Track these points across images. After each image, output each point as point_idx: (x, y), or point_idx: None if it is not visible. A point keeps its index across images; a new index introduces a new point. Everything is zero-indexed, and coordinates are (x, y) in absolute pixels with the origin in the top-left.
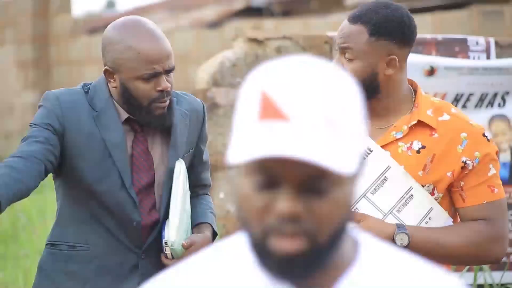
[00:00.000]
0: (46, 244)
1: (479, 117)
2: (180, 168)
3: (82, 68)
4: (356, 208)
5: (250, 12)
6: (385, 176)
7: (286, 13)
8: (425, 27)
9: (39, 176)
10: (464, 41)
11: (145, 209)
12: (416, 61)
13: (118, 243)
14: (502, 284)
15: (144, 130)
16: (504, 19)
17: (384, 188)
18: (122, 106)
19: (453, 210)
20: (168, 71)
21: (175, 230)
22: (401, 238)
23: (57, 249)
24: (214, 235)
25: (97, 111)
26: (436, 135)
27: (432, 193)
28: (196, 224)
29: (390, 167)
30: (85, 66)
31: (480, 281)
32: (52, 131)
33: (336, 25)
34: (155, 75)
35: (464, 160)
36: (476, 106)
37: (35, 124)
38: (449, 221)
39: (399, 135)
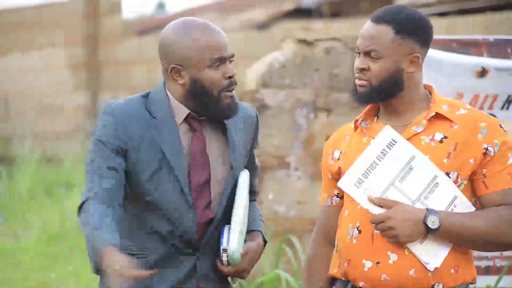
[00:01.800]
0: None
1: None
2: (245, 178)
3: (131, 69)
4: (386, 196)
5: (299, 13)
6: (410, 165)
7: (336, 14)
8: (476, 28)
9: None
10: None
11: (199, 207)
12: (466, 62)
13: (174, 247)
14: None
15: (202, 129)
16: None
17: (410, 176)
18: (187, 103)
19: (473, 200)
20: (230, 58)
21: (236, 240)
22: (433, 220)
23: None
24: (264, 242)
25: (155, 118)
26: (456, 126)
27: (456, 181)
28: (248, 231)
29: (415, 157)
30: (135, 67)
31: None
32: (115, 150)
33: None
34: (223, 60)
35: (486, 147)
36: None
37: (100, 141)
38: (471, 209)
39: (420, 129)
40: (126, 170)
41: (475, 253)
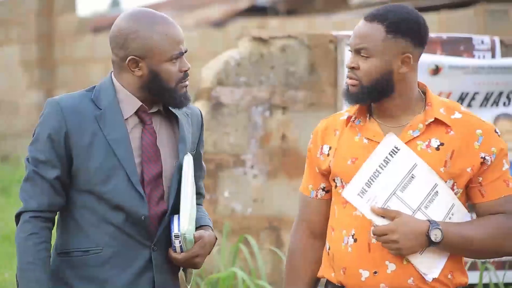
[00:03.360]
0: (58, 253)
1: (484, 116)
2: (189, 162)
3: (87, 67)
4: (388, 205)
5: (254, 11)
6: (412, 174)
7: (291, 12)
8: (431, 26)
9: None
10: (469, 40)
11: (153, 200)
12: (421, 60)
13: (129, 239)
14: (506, 283)
15: (152, 122)
16: (509, 18)
17: (412, 185)
18: (141, 95)
19: (467, 206)
20: (185, 53)
21: (187, 220)
22: (435, 234)
23: (70, 256)
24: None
25: (101, 109)
26: (452, 132)
27: (452, 189)
28: (198, 227)
29: (416, 165)
30: (90, 65)
31: (485, 280)
32: (55, 146)
33: (341, 24)
34: (181, 55)
35: (483, 156)
36: (481, 105)
37: (45, 135)
38: (467, 216)
39: (416, 134)
40: (74, 162)
41: None
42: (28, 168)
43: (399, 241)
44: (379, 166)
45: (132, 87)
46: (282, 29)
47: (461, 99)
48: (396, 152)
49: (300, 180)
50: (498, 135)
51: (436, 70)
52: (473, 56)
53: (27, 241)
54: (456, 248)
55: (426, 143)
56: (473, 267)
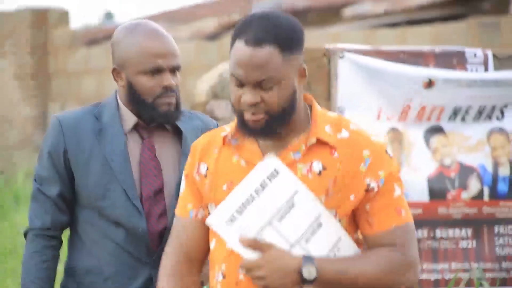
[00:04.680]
0: (64, 269)
1: (478, 130)
2: None
3: (80, 80)
4: (261, 237)
5: None
6: (293, 202)
7: None
8: (423, 39)
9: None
10: (462, 53)
11: (153, 216)
12: (414, 73)
13: (129, 257)
14: None
15: (153, 137)
16: (501, 31)
17: (291, 215)
18: (129, 107)
19: (355, 237)
20: (173, 69)
21: None
22: (309, 271)
23: (75, 272)
24: None
25: (102, 124)
26: (336, 154)
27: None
28: None
29: (298, 192)
30: (84, 77)
31: None
32: (55, 163)
33: (335, 37)
34: (159, 70)
35: (369, 182)
36: (474, 119)
37: (47, 153)
38: (357, 250)
39: (298, 156)
40: (75, 178)
41: (424, 265)
42: (33, 186)
43: (266, 278)
44: (254, 191)
45: (123, 100)
46: None
47: (454, 113)
48: (276, 176)
49: None
50: (390, 157)
51: (430, 84)
52: (466, 70)
53: (31, 259)
54: (337, 286)
55: (307, 166)
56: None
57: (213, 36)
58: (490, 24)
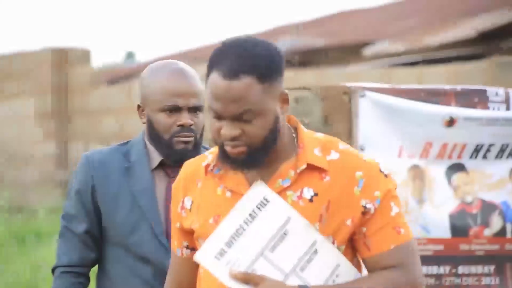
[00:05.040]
0: None
1: (500, 168)
2: None
3: (101, 119)
4: (254, 269)
5: None
6: (285, 230)
7: (304, 63)
8: (441, 78)
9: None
10: (484, 92)
11: None
12: (435, 111)
13: None
14: None
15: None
16: None
17: (284, 244)
18: (151, 144)
19: (355, 261)
20: (192, 109)
21: None
22: None
23: None
24: None
25: (130, 162)
26: (327, 178)
27: None
28: None
29: (290, 219)
30: (104, 116)
31: None
32: (83, 200)
33: (354, 76)
34: (176, 109)
35: (364, 204)
36: (496, 157)
37: (75, 192)
38: (358, 276)
39: (287, 183)
40: (102, 215)
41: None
42: (61, 224)
43: None
44: (244, 221)
45: (147, 137)
46: (295, 80)
47: (476, 151)
48: (265, 204)
49: None
50: (385, 175)
51: (451, 122)
52: (487, 108)
53: None
54: None
55: (298, 193)
56: None
57: None
58: (508, 63)
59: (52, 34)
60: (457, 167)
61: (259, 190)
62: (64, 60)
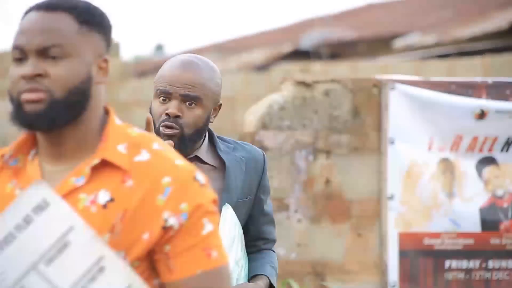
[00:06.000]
0: None
1: None
2: (226, 215)
3: (131, 112)
4: (22, 285)
5: (298, 55)
6: (66, 241)
7: (334, 56)
8: (474, 70)
9: None
10: None
11: None
12: (466, 104)
13: None
14: None
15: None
16: None
17: (64, 257)
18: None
19: (156, 284)
20: (185, 99)
21: None
22: None
23: None
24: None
25: None
26: (130, 182)
27: None
28: (251, 277)
29: (73, 228)
30: (134, 109)
31: None
32: None
33: (384, 68)
34: (167, 95)
35: (167, 217)
36: None
37: None
38: None
39: (81, 182)
40: None
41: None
42: None
43: None
44: (15, 227)
45: None
46: (325, 73)
47: (508, 144)
48: (44, 208)
49: (344, 224)
50: (200, 185)
51: (482, 115)
52: None
53: None
54: None
55: (92, 197)
56: None
57: (262, 67)
58: None
59: None
60: (488, 161)
61: (38, 190)
62: None
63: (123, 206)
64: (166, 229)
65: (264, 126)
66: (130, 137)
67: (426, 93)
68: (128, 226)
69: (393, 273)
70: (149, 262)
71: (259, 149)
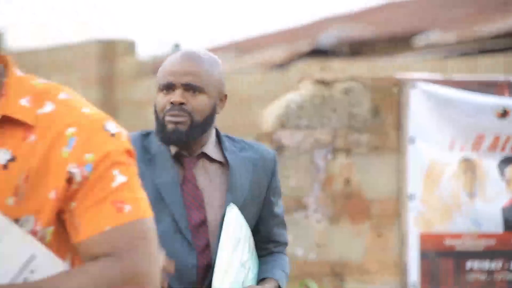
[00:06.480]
0: None
1: None
2: (231, 216)
3: (147, 110)
4: None
5: (316, 53)
6: None
7: (353, 54)
8: (496, 68)
9: None
10: None
11: (199, 249)
12: (488, 102)
13: None
14: None
15: (195, 167)
16: None
17: None
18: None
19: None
20: (188, 88)
21: (219, 278)
22: None
23: None
24: None
25: (152, 154)
26: (32, 137)
27: (34, 230)
28: (260, 280)
29: None
30: (150, 107)
31: None
32: None
33: (405, 67)
34: (170, 87)
35: (70, 170)
36: None
37: None
38: (62, 268)
39: None
40: None
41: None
42: None
43: None
44: None
45: None
46: (344, 71)
47: None
48: None
49: (364, 224)
50: (110, 134)
51: (504, 114)
52: None
53: None
54: None
55: None
56: None
57: (280, 66)
58: None
59: (98, 26)
60: (510, 160)
61: None
62: (109, 52)
63: (27, 165)
64: (70, 182)
65: (282, 125)
66: (34, 89)
67: (447, 91)
68: (35, 186)
69: (413, 274)
70: (62, 229)
71: (270, 150)
